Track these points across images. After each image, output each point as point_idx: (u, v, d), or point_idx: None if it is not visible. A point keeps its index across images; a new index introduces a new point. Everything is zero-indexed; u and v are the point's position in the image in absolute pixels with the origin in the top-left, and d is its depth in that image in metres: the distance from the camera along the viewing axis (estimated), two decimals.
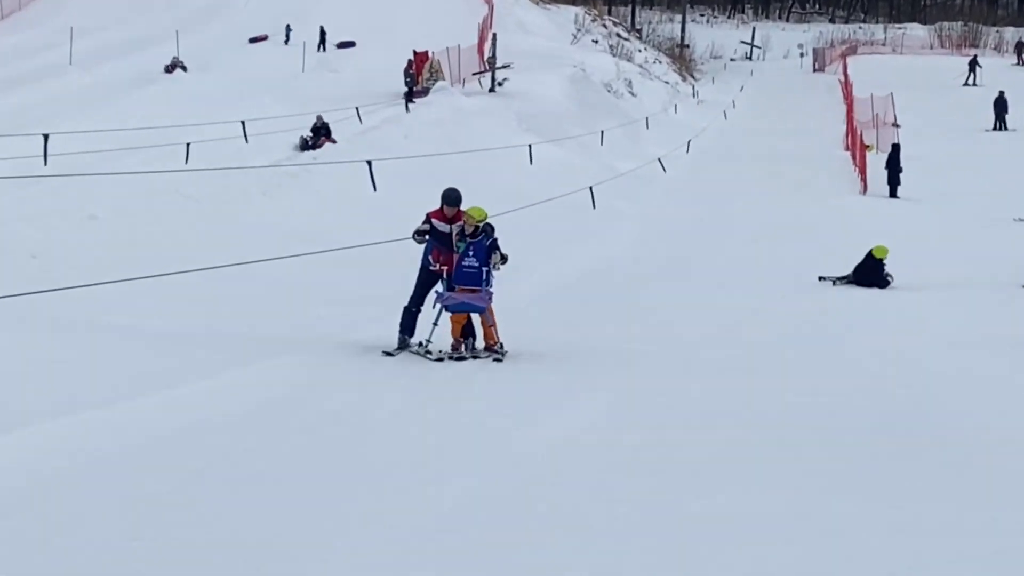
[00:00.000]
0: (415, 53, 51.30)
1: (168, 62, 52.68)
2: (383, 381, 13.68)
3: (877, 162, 41.82)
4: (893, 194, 39.36)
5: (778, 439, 11.48)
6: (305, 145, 36.24)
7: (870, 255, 23.63)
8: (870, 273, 23.41)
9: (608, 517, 8.95)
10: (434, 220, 15.20)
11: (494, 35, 53.42)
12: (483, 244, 15.11)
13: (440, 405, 12.77)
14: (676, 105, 65.71)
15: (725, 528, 8.82)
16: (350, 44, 64.24)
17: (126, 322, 15.44)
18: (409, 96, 46.85)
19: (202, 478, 9.49)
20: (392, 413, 12.28)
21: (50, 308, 14.61)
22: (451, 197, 15.18)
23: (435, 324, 15.04)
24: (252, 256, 17.40)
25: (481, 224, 15.11)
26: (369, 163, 27.89)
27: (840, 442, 11.46)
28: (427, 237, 15.16)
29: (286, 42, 63.60)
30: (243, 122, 36.32)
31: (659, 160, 43.55)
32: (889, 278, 23.30)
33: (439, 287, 15.26)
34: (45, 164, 28.76)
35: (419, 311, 15.20)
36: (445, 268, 15.14)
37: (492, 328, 15.24)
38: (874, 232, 27.14)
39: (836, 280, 23.75)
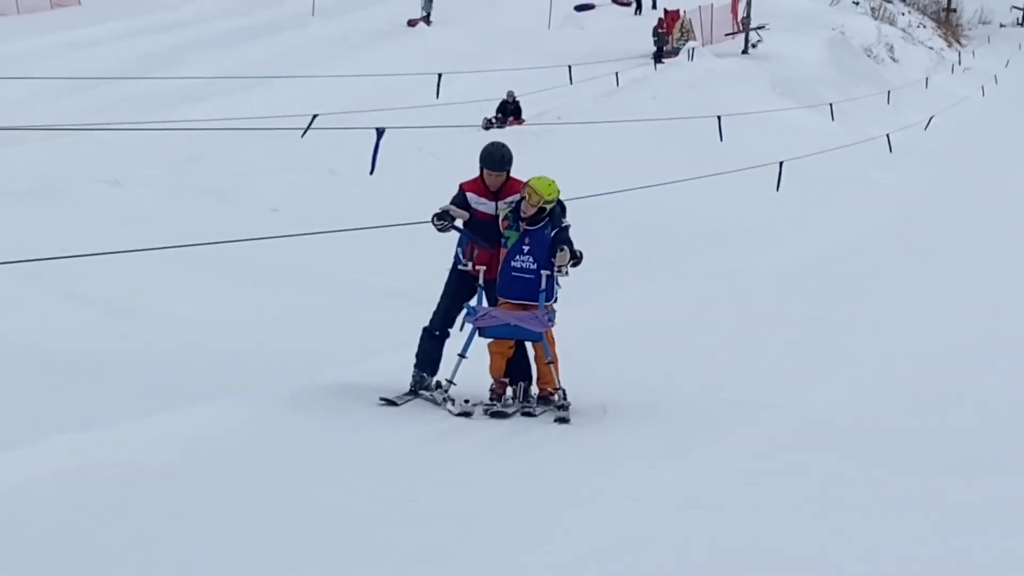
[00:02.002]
0: (666, 12, 49.77)
1: (419, 15, 51.93)
2: (360, 454, 8.99)
3: None
4: None
5: None
6: (489, 126, 30.75)
7: None
8: None
9: None
10: (469, 194, 10.56)
11: None
12: (545, 234, 10.30)
13: (445, 515, 7.77)
14: (940, 72, 62.62)
15: None
16: (588, 7, 62.04)
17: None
18: (658, 56, 45.34)
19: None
20: (356, 522, 7.51)
21: (286, 259, 14.67)
22: (496, 157, 10.51)
23: (462, 356, 10.44)
24: None
25: (549, 203, 10.30)
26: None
27: None
28: (455, 222, 10.44)
29: None
30: (440, 74, 35.58)
31: (923, 127, 41.23)
32: None
33: (475, 300, 10.57)
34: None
35: (447, 336, 10.69)
36: (483, 269, 10.46)
37: (551, 367, 10.47)
38: None
39: None
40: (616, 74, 39.92)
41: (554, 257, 10.21)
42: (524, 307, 10.38)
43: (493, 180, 10.49)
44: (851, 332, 14.91)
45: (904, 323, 15.74)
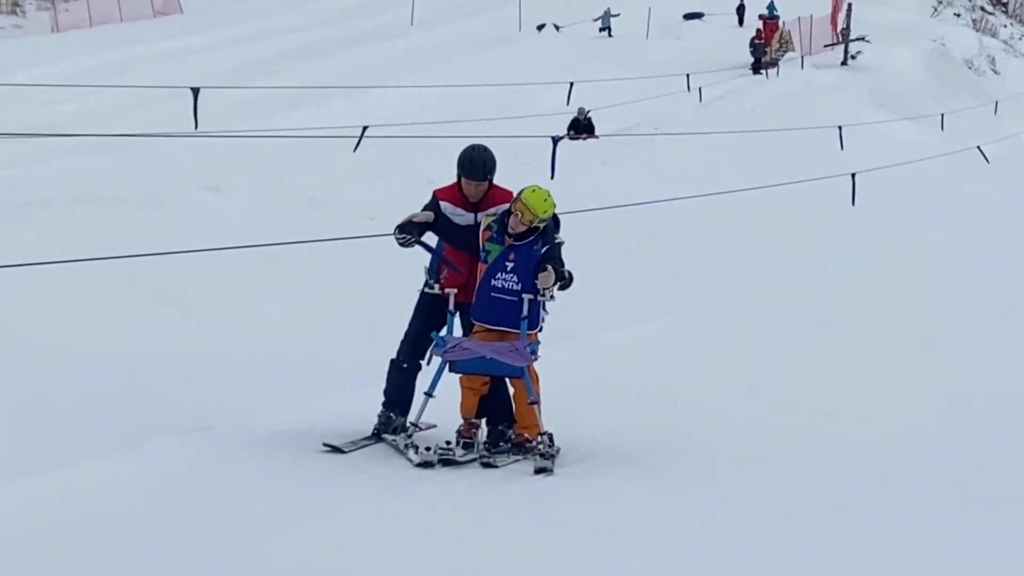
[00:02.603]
0: (764, 23, 49.32)
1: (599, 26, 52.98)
2: (288, 514, 7.66)
3: None
4: None
5: None
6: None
7: None
8: None
9: None
10: (443, 203, 9.16)
11: (849, 5, 50.73)
12: (534, 251, 8.92)
13: None
14: None
15: None
16: (697, 15, 61.45)
17: None
18: (756, 67, 44.97)
19: None
20: None
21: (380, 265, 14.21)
22: (476, 164, 9.06)
23: (428, 395, 9.02)
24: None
25: (543, 222, 8.93)
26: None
27: None
28: (421, 238, 9.03)
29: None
30: (571, 84, 35.56)
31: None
32: None
33: (445, 328, 9.18)
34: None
35: (418, 368, 9.30)
36: (453, 292, 9.07)
37: (533, 408, 8.99)
38: None
39: None
40: (700, 89, 39.59)
41: (537, 278, 8.82)
42: (503, 336, 8.94)
43: (472, 190, 9.09)
44: (929, 356, 13.95)
45: (989, 350, 14.48)
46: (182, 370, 10.97)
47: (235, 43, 44.27)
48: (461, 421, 9.14)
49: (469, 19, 53.89)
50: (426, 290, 9.19)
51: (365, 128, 15.13)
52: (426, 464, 8.69)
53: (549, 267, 8.79)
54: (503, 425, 9.21)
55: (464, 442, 9.00)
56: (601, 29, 53.57)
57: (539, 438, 8.97)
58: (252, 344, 12.10)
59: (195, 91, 24.57)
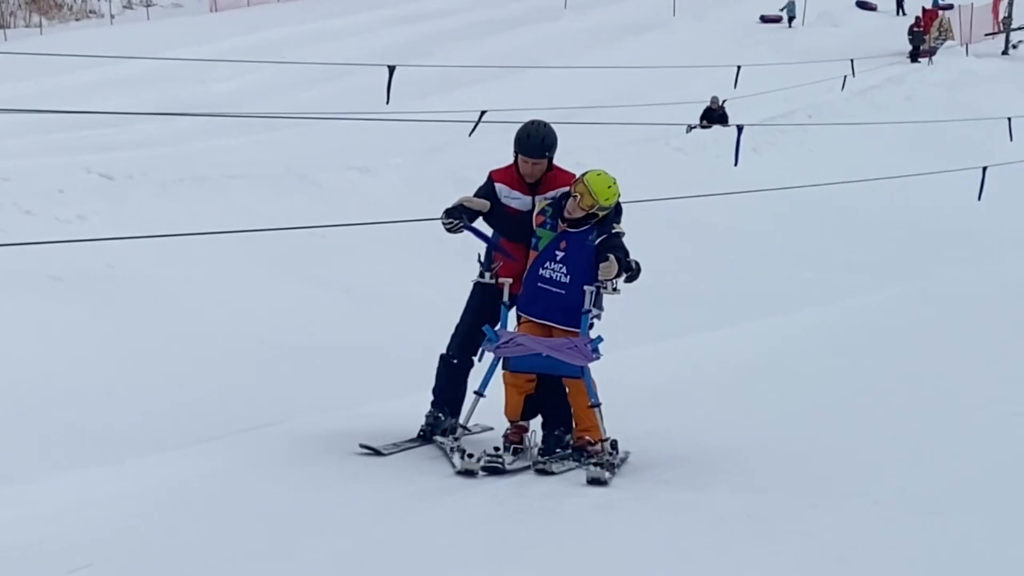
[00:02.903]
0: (924, 10, 48.33)
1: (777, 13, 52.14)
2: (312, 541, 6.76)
3: None
4: None
5: None
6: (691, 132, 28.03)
7: None
8: None
9: None
10: (499, 184, 8.44)
11: None
12: (588, 241, 8.13)
13: None
14: None
15: None
16: (870, 7, 59.78)
17: None
18: (914, 55, 44.05)
19: None
20: None
21: None
22: (534, 141, 8.30)
23: (479, 394, 8.30)
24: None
25: (604, 210, 8.13)
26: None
27: None
28: (470, 224, 8.30)
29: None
30: (739, 67, 35.09)
31: None
32: None
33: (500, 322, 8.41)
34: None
35: (469, 365, 8.58)
36: (508, 282, 8.29)
37: (594, 411, 8.21)
38: None
39: None
40: (855, 76, 38.88)
41: (600, 268, 8.00)
42: (549, 331, 8.17)
43: (529, 169, 8.31)
44: None
45: None
46: (330, 350, 11.01)
47: (387, 24, 44.59)
48: (507, 425, 8.38)
49: (623, 3, 53.56)
50: (479, 280, 8.46)
51: (483, 113, 14.93)
52: (467, 473, 7.83)
53: (611, 256, 7.96)
54: (560, 430, 8.36)
55: (515, 447, 8.20)
56: (790, 17, 52.62)
57: (602, 443, 8.14)
58: (401, 325, 12.10)
59: (391, 68, 24.74)
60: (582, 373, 8.12)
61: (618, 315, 9.81)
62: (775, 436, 9.33)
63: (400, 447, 8.36)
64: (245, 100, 29.90)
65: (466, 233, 8.30)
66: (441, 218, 8.22)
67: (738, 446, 8.93)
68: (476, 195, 8.42)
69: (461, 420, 8.35)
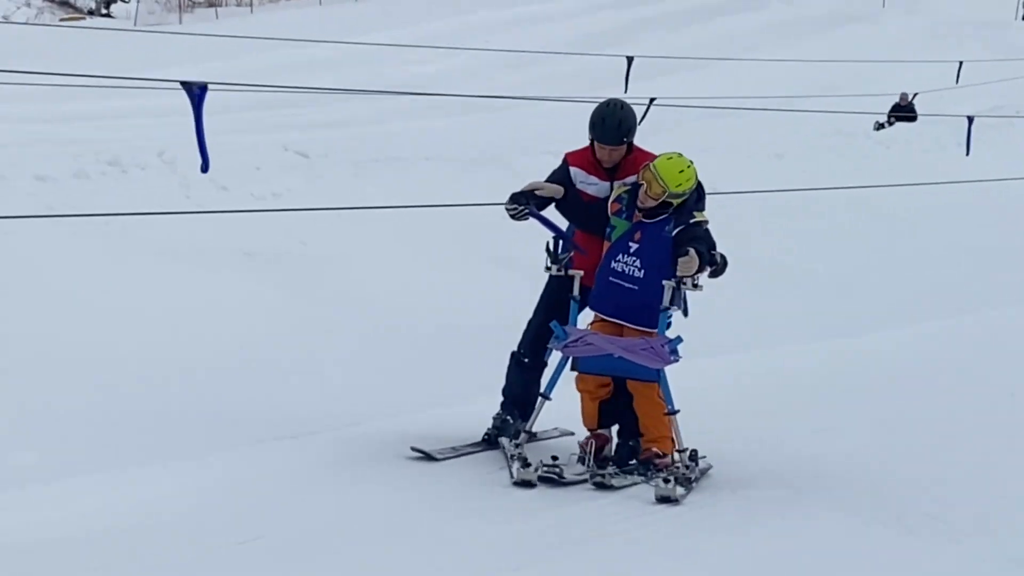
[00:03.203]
0: None
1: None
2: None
3: None
4: None
5: None
6: (880, 128, 27.75)
7: None
8: None
9: None
10: (574, 168, 7.80)
11: None
12: (664, 232, 7.45)
13: None
14: None
15: None
16: None
17: None
18: None
19: None
20: None
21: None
22: (608, 124, 7.61)
23: (544, 396, 7.65)
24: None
25: (677, 197, 7.42)
26: None
27: None
28: (537, 211, 7.65)
29: None
30: (960, 63, 34.29)
31: None
32: None
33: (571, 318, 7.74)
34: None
35: (543, 364, 7.98)
36: (579, 274, 7.63)
37: (670, 420, 7.48)
38: None
39: None
40: None
41: (678, 264, 7.28)
42: (620, 330, 7.50)
43: (607, 155, 7.66)
44: None
45: None
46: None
47: (586, 12, 44.52)
48: (585, 434, 7.77)
49: None
50: (550, 269, 7.72)
51: (652, 100, 14.75)
52: (524, 483, 7.23)
53: (691, 250, 7.24)
54: (635, 440, 7.67)
55: (579, 457, 7.53)
56: None
57: (678, 455, 7.37)
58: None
59: (629, 60, 24.72)
60: (658, 377, 7.39)
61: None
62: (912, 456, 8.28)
63: (459, 452, 7.77)
64: (446, 83, 30.14)
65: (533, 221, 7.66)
66: (505, 204, 7.55)
67: (855, 462, 8.03)
68: (550, 179, 7.80)
69: (528, 425, 7.72)
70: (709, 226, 7.55)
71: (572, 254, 7.61)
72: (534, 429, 7.80)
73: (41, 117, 17.58)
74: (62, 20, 38.05)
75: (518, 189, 7.63)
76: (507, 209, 7.51)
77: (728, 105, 21.88)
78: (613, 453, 7.65)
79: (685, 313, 7.60)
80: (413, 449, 7.64)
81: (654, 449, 7.50)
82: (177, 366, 9.16)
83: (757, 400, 9.39)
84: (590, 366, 7.50)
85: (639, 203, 7.43)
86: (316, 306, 11.02)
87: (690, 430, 7.53)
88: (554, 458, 7.32)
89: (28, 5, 47.00)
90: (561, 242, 7.65)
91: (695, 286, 7.37)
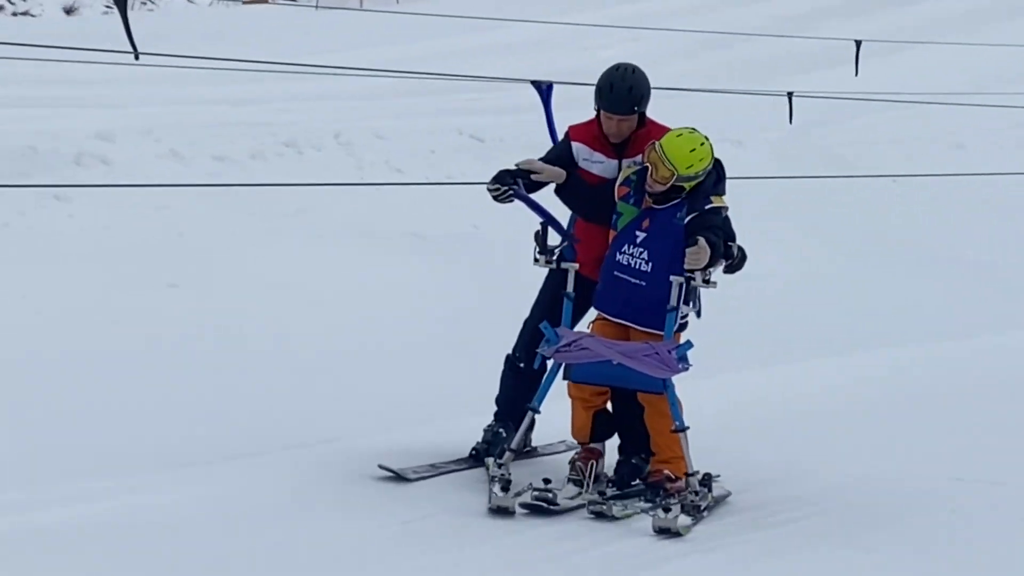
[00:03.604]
0: None
1: None
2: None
3: None
4: None
5: None
6: None
7: None
8: None
9: None
10: (577, 144, 6.87)
11: None
12: (675, 221, 6.51)
13: None
14: None
15: None
16: None
17: None
18: None
19: None
20: None
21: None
22: (617, 90, 6.67)
23: (533, 409, 6.68)
24: None
25: (689, 180, 6.49)
26: None
27: None
28: (524, 192, 6.69)
29: None
30: None
31: None
32: None
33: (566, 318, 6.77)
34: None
35: (542, 369, 6.86)
36: (572, 267, 6.66)
37: (679, 437, 6.51)
38: None
39: None
40: None
41: (689, 255, 6.35)
42: (626, 332, 6.60)
43: (615, 128, 6.70)
44: None
45: None
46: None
47: None
48: (576, 448, 6.87)
49: None
50: (546, 264, 6.71)
51: (790, 94, 14.51)
52: (501, 511, 6.24)
53: (701, 239, 6.28)
54: (639, 457, 6.74)
55: (573, 479, 6.57)
56: None
57: (686, 480, 6.44)
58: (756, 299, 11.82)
59: (858, 44, 24.52)
60: (664, 388, 6.40)
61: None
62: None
63: (439, 470, 6.86)
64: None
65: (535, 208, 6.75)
66: (487, 184, 6.59)
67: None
68: (548, 157, 6.87)
69: (512, 443, 6.65)
70: (729, 213, 6.62)
71: (565, 244, 6.69)
72: (535, 444, 7.13)
73: (225, 99, 18.00)
74: (246, 2, 38.85)
75: (516, 166, 6.70)
76: (489, 190, 6.57)
77: (877, 98, 21.58)
78: (614, 472, 6.75)
79: (698, 314, 6.69)
80: (381, 467, 6.72)
81: (666, 472, 6.55)
82: (345, 348, 9.31)
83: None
84: (585, 374, 6.51)
85: (648, 187, 6.51)
86: (486, 288, 11.09)
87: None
88: (546, 481, 6.35)
89: None
90: (543, 229, 6.63)
91: (706, 282, 6.40)
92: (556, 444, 7.29)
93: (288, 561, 5.57)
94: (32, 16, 36.00)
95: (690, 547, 5.97)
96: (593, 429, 6.72)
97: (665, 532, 6.02)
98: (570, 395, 6.71)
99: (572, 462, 6.66)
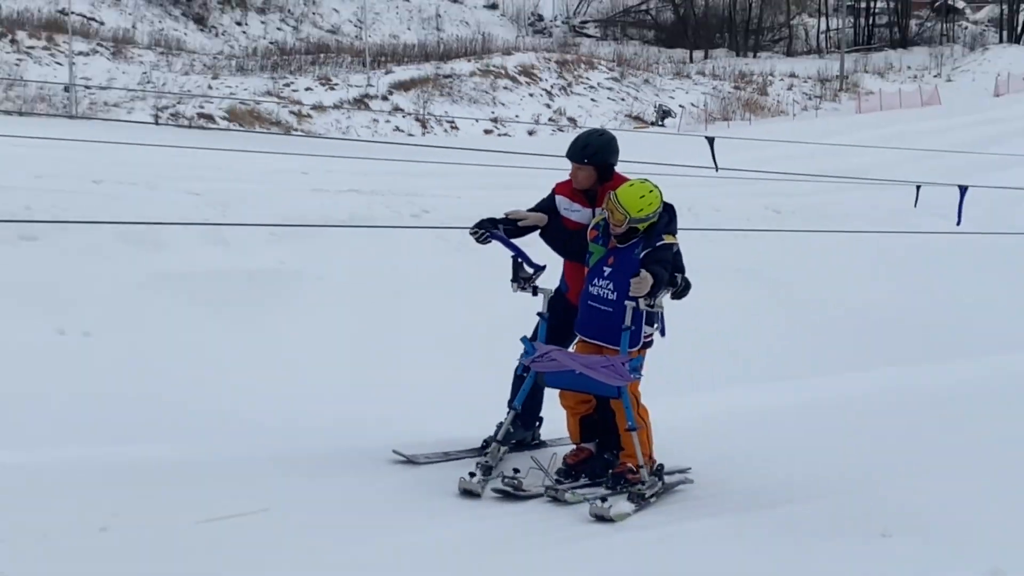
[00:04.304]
0: None
1: None
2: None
3: None
4: None
5: None
6: None
7: None
8: None
9: None
10: (559, 196, 8.05)
11: None
12: (634, 256, 7.56)
13: None
14: None
15: None
16: None
17: None
18: None
19: None
20: None
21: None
22: (576, 143, 7.89)
23: (513, 408, 7.90)
24: None
25: (641, 222, 7.52)
26: None
27: None
28: (501, 233, 7.79)
29: None
30: None
31: None
32: None
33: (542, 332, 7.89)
34: None
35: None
36: (547, 292, 7.96)
37: (642, 435, 7.60)
38: None
39: None
40: None
41: (638, 283, 7.29)
42: (600, 350, 7.57)
43: (579, 178, 7.77)
44: None
45: None
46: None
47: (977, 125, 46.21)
48: (570, 448, 7.95)
49: None
50: (512, 286, 7.79)
51: (919, 187, 13.92)
52: (467, 493, 7.30)
53: (643, 271, 7.26)
54: (610, 453, 7.77)
55: (561, 469, 7.78)
56: None
57: (642, 472, 7.43)
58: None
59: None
60: (619, 394, 7.42)
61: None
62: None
63: (452, 456, 7.94)
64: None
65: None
66: (469, 228, 7.67)
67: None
68: (536, 207, 7.98)
69: (501, 435, 7.82)
70: (680, 247, 7.57)
71: (535, 272, 7.66)
72: (544, 438, 8.38)
73: None
74: (635, 128, 51.18)
75: (505, 215, 7.84)
76: (471, 233, 7.65)
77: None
78: (587, 465, 7.77)
79: (662, 332, 7.69)
80: (395, 452, 7.99)
81: (628, 464, 7.53)
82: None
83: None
84: (554, 381, 7.59)
85: (613, 229, 7.51)
86: (793, 314, 13.61)
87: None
88: (515, 470, 7.43)
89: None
90: (523, 263, 7.69)
91: (650, 306, 7.35)
92: (564, 439, 8.24)
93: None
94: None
95: (606, 531, 6.94)
96: (582, 432, 7.91)
97: (599, 518, 7.08)
98: (561, 405, 7.92)
99: (565, 459, 7.90)
